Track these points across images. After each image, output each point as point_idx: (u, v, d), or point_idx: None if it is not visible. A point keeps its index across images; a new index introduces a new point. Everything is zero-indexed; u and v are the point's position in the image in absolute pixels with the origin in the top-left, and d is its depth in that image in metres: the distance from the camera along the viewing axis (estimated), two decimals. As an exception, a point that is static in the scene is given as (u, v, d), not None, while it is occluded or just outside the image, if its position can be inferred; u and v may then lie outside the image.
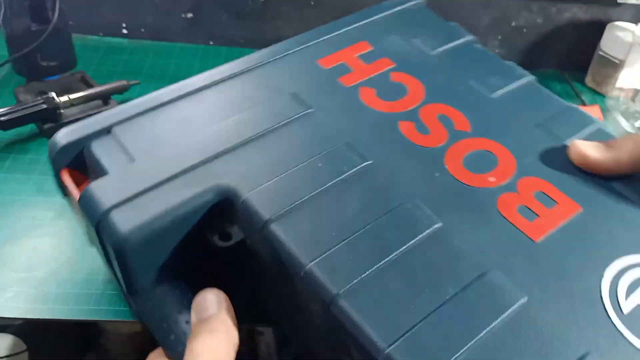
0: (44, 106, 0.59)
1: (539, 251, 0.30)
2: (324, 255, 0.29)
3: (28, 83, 0.65)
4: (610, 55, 0.80)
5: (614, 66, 0.80)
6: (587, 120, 0.39)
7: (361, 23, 0.45)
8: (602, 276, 0.29)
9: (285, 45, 0.43)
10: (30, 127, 0.60)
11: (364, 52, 0.43)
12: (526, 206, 0.33)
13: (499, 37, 0.82)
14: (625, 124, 0.76)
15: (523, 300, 0.27)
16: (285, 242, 0.30)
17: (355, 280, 0.28)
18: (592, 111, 0.75)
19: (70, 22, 0.78)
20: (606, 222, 0.32)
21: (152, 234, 0.30)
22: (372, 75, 0.40)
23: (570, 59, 0.85)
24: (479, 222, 0.32)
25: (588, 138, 0.37)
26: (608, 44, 0.80)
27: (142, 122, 0.36)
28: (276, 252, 0.30)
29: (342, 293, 0.27)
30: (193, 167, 0.33)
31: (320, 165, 0.33)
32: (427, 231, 0.30)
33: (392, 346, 0.25)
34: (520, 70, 0.42)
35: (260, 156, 0.34)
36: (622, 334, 0.27)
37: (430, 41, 0.44)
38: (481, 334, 0.26)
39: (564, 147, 0.36)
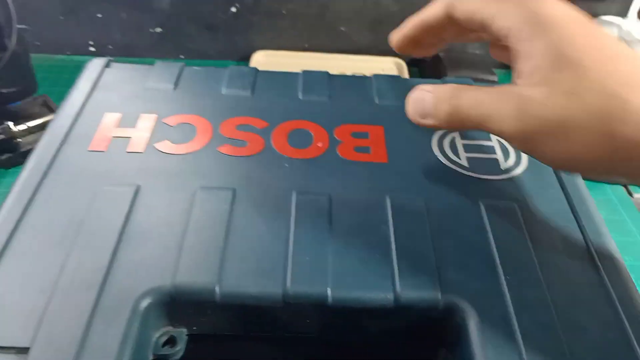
0: (1, 136, 0.57)
1: (392, 167, 0.38)
2: (288, 273, 0.30)
3: (-12, 111, 0.64)
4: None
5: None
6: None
7: (83, 98, 0.43)
8: (431, 148, 0.41)
9: (45, 149, 0.39)
10: (-12, 158, 0.59)
11: (119, 120, 0.41)
12: (357, 146, 0.40)
13: (479, 39, 0.79)
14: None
15: (422, 204, 0.35)
16: (248, 290, 0.29)
17: (320, 270, 0.30)
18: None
19: (37, 43, 0.77)
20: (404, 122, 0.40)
21: None
22: (152, 132, 0.40)
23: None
24: (346, 177, 0.37)
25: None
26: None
27: None
28: (244, 308, 0.29)
29: (332, 287, 0.29)
30: (101, 294, 0.28)
31: (202, 216, 0.33)
32: (326, 205, 0.34)
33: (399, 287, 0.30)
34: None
35: (141, 246, 0.31)
36: (447, 169, 0.39)
37: (141, 79, 0.45)
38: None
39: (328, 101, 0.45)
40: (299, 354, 0.33)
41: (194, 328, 0.30)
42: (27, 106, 0.64)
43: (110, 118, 0.41)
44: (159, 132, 0.40)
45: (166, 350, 0.29)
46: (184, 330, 0.30)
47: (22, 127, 0.58)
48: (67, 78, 0.75)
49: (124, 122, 0.41)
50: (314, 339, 0.32)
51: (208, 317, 0.30)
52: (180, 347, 0.29)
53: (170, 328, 0.30)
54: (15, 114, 0.62)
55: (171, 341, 0.29)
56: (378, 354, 0.33)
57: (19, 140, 0.58)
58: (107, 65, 0.48)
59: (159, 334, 0.29)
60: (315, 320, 0.30)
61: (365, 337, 0.31)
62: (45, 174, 0.36)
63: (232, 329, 0.31)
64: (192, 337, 0.30)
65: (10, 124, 0.58)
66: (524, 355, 0.27)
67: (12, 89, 0.63)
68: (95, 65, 0.48)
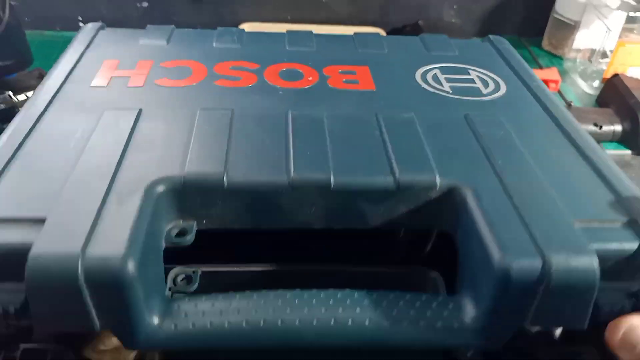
0: (2, 106, 0.59)
1: (379, 93, 0.42)
2: (291, 163, 0.32)
3: (-16, 83, 0.65)
4: (565, 18, 0.81)
5: (569, 28, 0.81)
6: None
7: (81, 49, 0.47)
8: (415, 79, 0.44)
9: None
10: (-11, 128, 0.61)
11: (117, 64, 0.44)
12: (346, 79, 0.43)
13: (455, 7, 0.83)
14: (583, 85, 0.78)
15: (411, 114, 0.38)
16: (255, 178, 0.31)
17: (322, 160, 0.32)
18: (550, 73, 0.76)
19: (26, 19, 0.78)
20: (390, 61, 0.47)
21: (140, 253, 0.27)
22: (150, 72, 0.43)
23: (526, 24, 0.86)
24: (337, 102, 0.40)
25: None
26: (563, 6, 0.81)
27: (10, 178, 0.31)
28: (253, 194, 0.31)
29: (334, 173, 0.31)
30: (113, 177, 0.30)
31: (204, 128, 0.35)
32: (321, 119, 0.37)
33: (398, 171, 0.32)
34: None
35: (149, 150, 0.33)
36: (432, 93, 0.42)
37: (135, 39, 0.48)
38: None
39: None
40: (303, 250, 0.35)
41: (204, 221, 0.32)
42: (23, 78, 0.66)
43: (109, 63, 0.44)
44: (157, 72, 0.43)
45: (178, 240, 0.30)
46: (194, 223, 0.32)
47: (22, 97, 0.60)
48: (59, 53, 0.76)
49: (122, 66, 0.43)
50: (318, 234, 0.33)
51: (217, 209, 0.31)
52: (190, 237, 0.31)
53: (180, 221, 0.31)
54: (13, 85, 0.64)
55: (182, 233, 0.31)
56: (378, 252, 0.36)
57: (19, 109, 0.60)
58: (101, 28, 0.51)
59: (170, 226, 0.31)
60: (320, 208, 0.32)
61: (368, 224, 0.33)
62: (49, 104, 0.38)
63: (240, 221, 0.32)
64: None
65: (10, 93, 0.60)
66: (529, 225, 0.28)
67: (8, 62, 0.65)
68: (89, 28, 0.51)
